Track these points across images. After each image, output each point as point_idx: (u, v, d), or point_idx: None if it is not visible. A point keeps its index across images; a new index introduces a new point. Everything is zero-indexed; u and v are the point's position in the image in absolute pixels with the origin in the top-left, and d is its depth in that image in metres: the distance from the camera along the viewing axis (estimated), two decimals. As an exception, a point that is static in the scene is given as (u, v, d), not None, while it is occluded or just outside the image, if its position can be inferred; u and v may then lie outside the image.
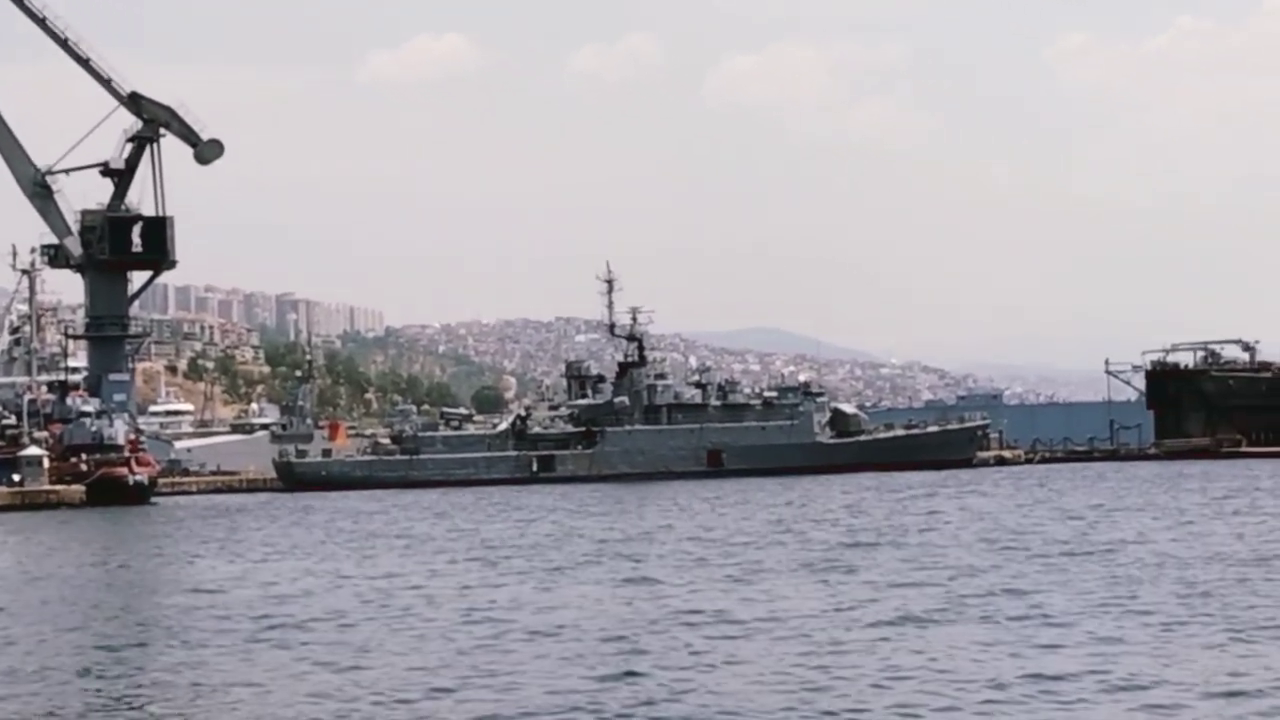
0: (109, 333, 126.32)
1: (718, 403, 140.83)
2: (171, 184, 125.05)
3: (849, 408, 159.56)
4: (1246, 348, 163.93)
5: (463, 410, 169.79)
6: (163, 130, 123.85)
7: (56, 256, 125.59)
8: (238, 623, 37.42)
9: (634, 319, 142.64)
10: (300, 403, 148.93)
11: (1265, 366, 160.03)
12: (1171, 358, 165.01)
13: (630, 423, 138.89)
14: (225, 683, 28.56)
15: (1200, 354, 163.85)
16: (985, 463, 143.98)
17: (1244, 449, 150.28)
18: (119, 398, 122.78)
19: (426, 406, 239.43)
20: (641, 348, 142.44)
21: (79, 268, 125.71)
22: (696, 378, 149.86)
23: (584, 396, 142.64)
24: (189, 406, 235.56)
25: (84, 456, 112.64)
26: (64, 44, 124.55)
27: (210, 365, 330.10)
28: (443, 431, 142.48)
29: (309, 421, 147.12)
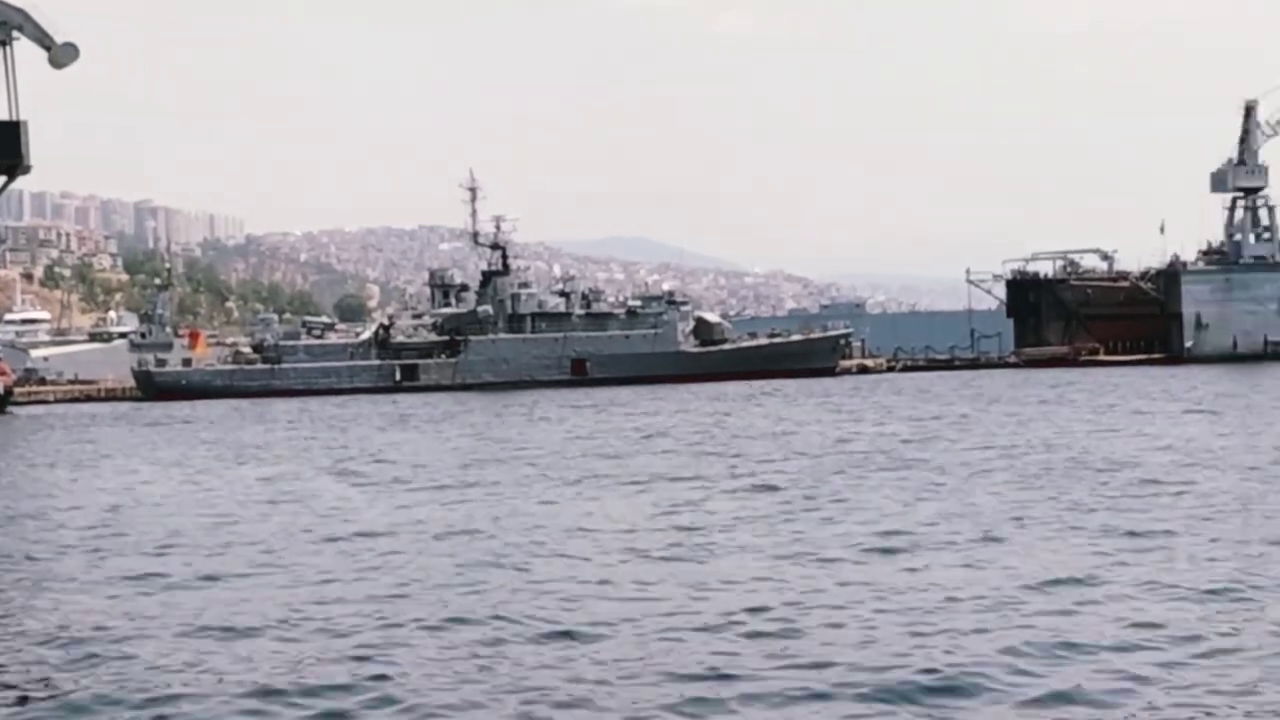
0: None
1: (582, 312, 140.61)
2: (26, 88, 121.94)
3: (713, 316, 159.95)
4: (1105, 257, 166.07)
5: (325, 319, 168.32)
6: (15, 33, 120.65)
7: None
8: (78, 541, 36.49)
9: (498, 227, 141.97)
10: (159, 311, 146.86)
11: (1123, 276, 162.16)
12: (1031, 267, 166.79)
13: (494, 332, 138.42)
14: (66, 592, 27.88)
15: (1059, 263, 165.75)
16: (848, 371, 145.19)
17: (1101, 357, 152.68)
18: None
19: (288, 315, 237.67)
20: (505, 256, 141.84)
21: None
22: (560, 286, 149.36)
23: (447, 305, 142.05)
24: (45, 315, 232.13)
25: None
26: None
27: (67, 273, 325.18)
28: (305, 340, 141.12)
29: (168, 330, 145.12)
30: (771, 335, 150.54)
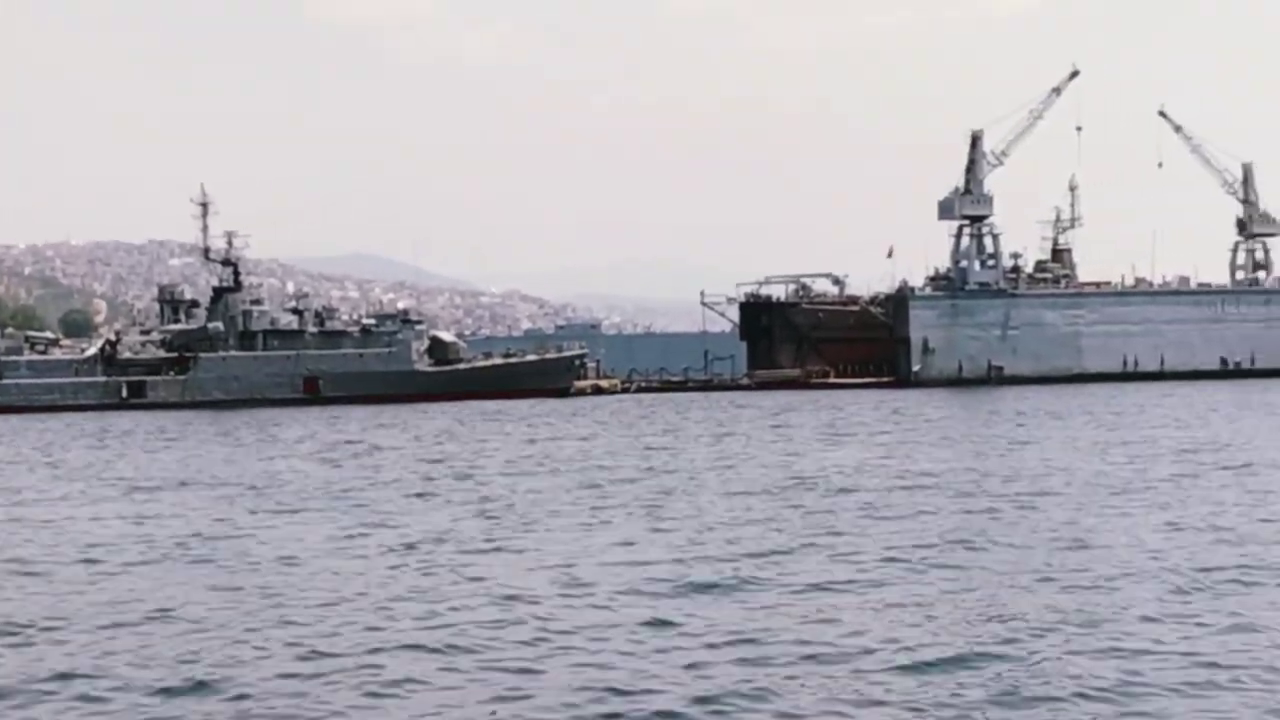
0: None
1: (315, 329, 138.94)
2: None
3: (448, 336, 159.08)
4: (836, 281, 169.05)
5: (49, 334, 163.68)
6: None
7: None
8: None
9: (229, 243, 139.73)
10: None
11: (853, 300, 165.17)
12: (764, 290, 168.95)
13: (225, 349, 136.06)
14: None
15: (792, 287, 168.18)
16: (583, 392, 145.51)
17: (832, 380, 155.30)
18: None
19: (11, 330, 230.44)
20: (237, 272, 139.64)
21: None
22: (294, 304, 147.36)
23: (177, 322, 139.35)
24: None
25: None
26: None
27: None
28: (27, 356, 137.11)
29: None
30: (506, 355, 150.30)
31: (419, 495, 46.23)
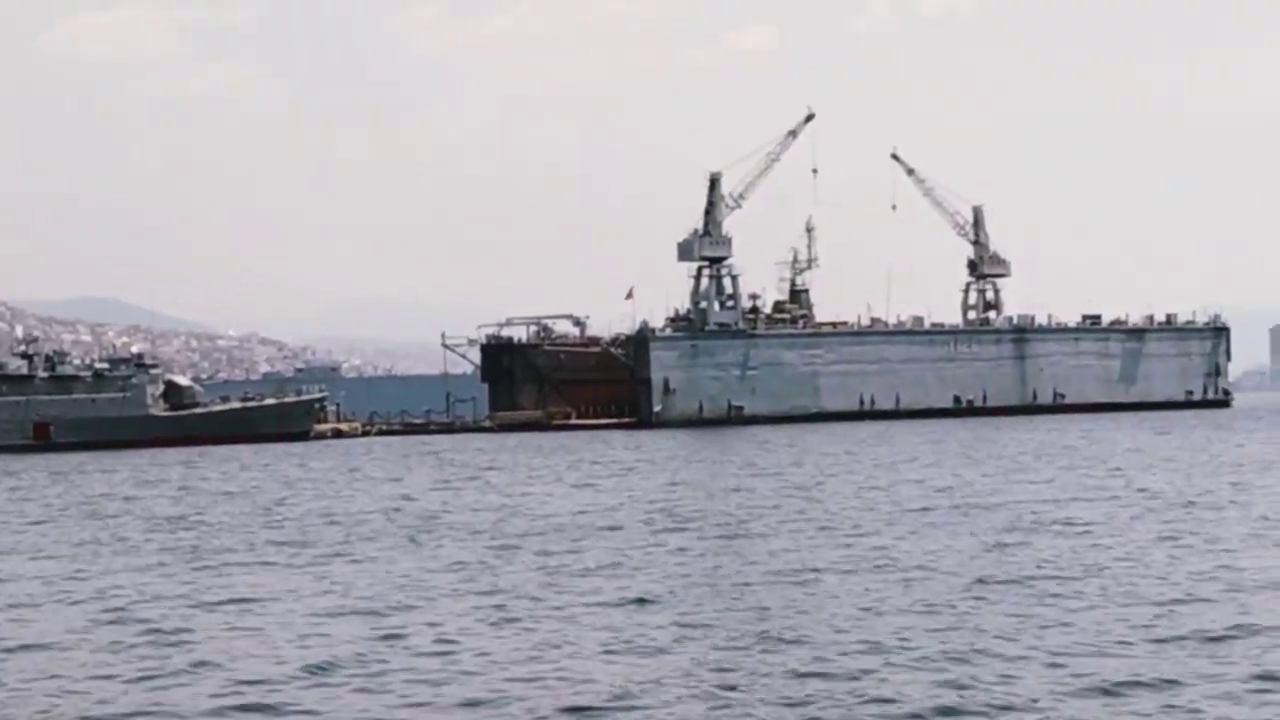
0: None
1: (45, 374, 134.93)
2: None
3: (184, 380, 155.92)
4: (577, 323, 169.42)
5: None
6: None
7: None
8: None
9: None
10: None
11: (594, 341, 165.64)
12: (506, 332, 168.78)
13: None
14: None
15: (533, 329, 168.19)
16: (323, 435, 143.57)
17: (574, 421, 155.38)
18: None
19: None
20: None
21: None
22: (23, 348, 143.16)
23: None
24: None
25: None
26: None
27: None
28: None
29: None
30: (245, 399, 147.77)
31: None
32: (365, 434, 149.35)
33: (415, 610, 29.94)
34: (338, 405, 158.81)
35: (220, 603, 31.85)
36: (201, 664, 24.80)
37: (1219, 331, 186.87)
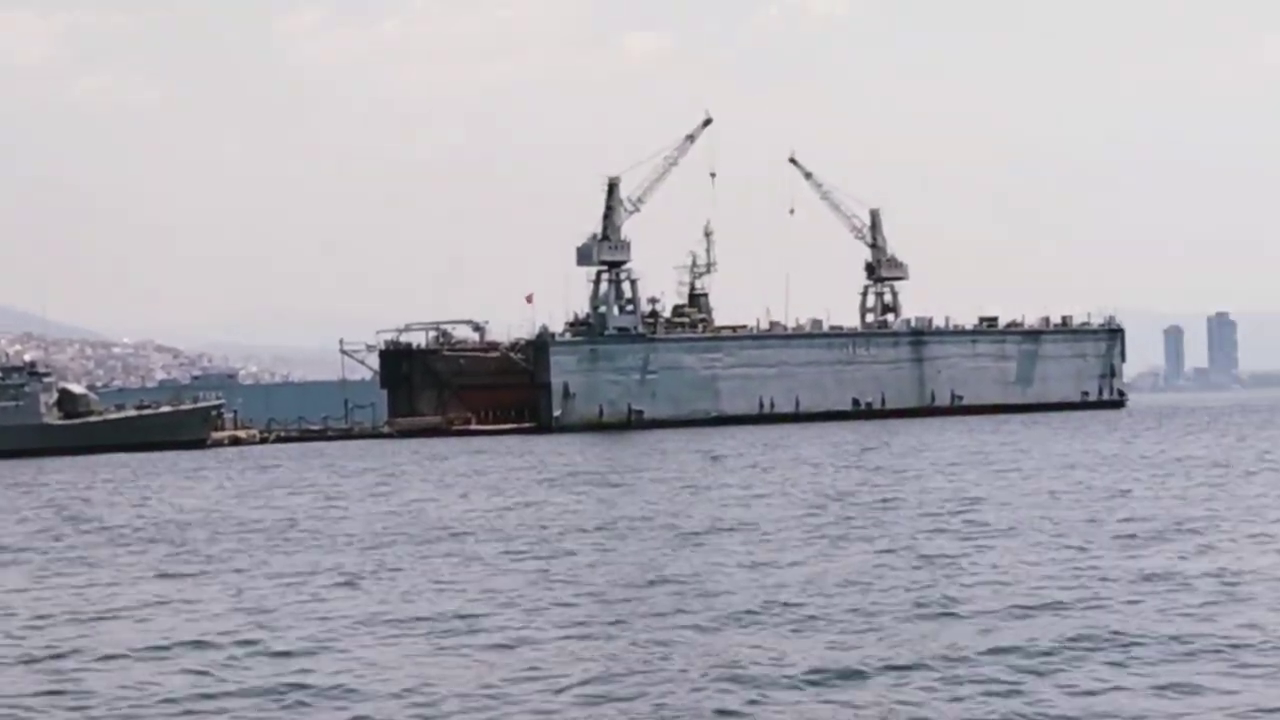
0: None
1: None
2: None
3: (78, 388, 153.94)
4: (477, 328, 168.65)
5: None
6: None
7: None
8: None
9: None
10: None
11: (493, 346, 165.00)
12: (405, 337, 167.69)
13: None
14: None
15: (432, 334, 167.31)
16: (220, 443, 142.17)
17: (474, 427, 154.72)
18: None
19: None
20: None
21: None
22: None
23: None
24: None
25: None
26: None
27: None
28: None
29: None
30: (140, 407, 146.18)
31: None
32: (263, 441, 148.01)
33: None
34: (235, 412, 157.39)
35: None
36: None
37: (1114, 333, 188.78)
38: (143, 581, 37.08)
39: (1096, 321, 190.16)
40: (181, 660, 25.39)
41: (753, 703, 20.62)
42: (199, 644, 26.81)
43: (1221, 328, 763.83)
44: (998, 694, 20.70)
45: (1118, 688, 20.83)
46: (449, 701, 21.36)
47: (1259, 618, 25.75)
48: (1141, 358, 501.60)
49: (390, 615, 29.34)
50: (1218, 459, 73.68)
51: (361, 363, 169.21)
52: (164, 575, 38.15)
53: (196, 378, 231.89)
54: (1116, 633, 24.53)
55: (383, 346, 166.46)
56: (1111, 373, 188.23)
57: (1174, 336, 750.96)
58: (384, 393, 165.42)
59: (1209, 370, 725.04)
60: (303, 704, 21.72)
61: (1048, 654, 23.15)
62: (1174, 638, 24.13)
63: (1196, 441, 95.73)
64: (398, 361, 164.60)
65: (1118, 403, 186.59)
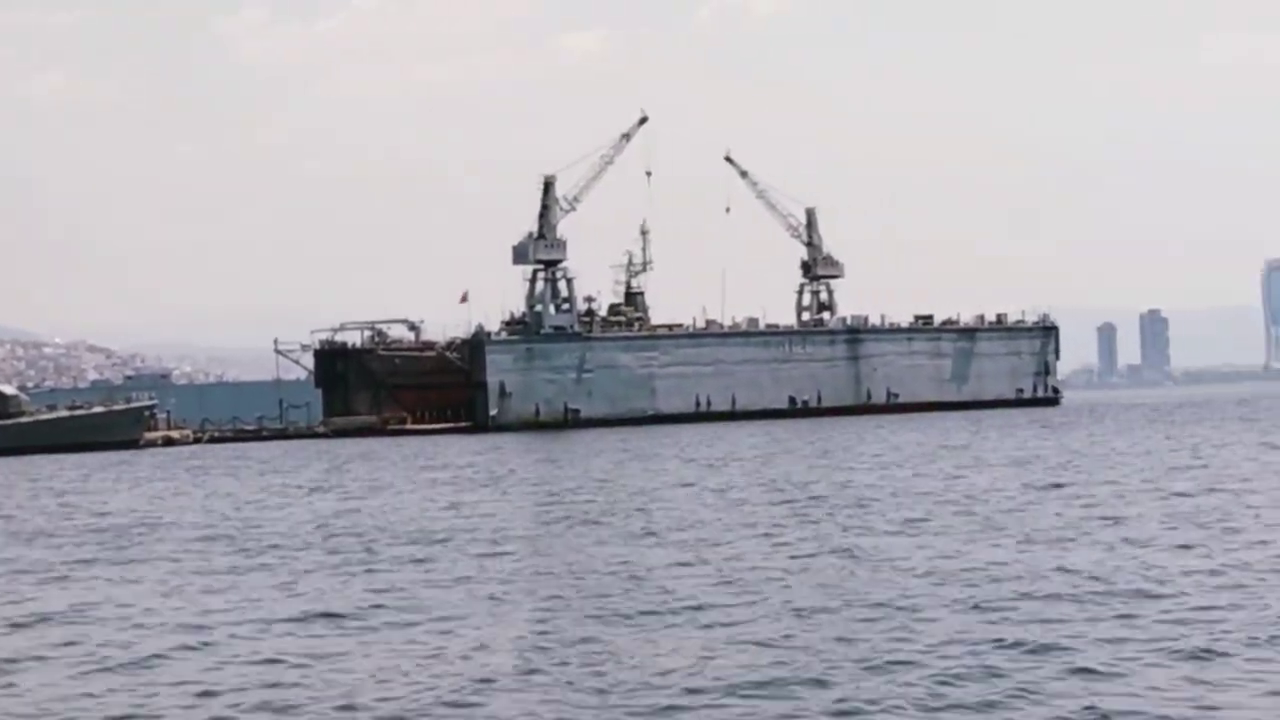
0: None
1: None
2: None
3: (9, 388, 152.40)
4: (412, 327, 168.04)
5: None
6: None
7: None
8: None
9: None
10: None
11: (429, 346, 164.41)
12: (340, 336, 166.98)
13: None
14: None
15: (367, 333, 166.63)
16: (153, 443, 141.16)
17: (409, 426, 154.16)
18: None
19: None
20: None
21: None
22: None
23: None
24: None
25: None
26: None
27: None
28: None
29: None
30: (72, 408, 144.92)
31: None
32: (197, 441, 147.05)
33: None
34: (168, 413, 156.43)
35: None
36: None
37: (1048, 331, 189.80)
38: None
39: (1031, 319, 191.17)
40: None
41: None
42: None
43: (1154, 325, 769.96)
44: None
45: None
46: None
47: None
48: (1075, 355, 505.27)
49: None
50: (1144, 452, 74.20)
51: (296, 362, 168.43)
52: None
53: (129, 378, 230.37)
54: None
55: (318, 346, 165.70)
56: (1046, 370, 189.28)
57: (1107, 334, 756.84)
58: (319, 392, 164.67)
59: (1142, 367, 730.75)
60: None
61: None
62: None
63: (1130, 437, 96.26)
64: (333, 361, 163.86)
65: (1052, 400, 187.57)
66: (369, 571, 36.23)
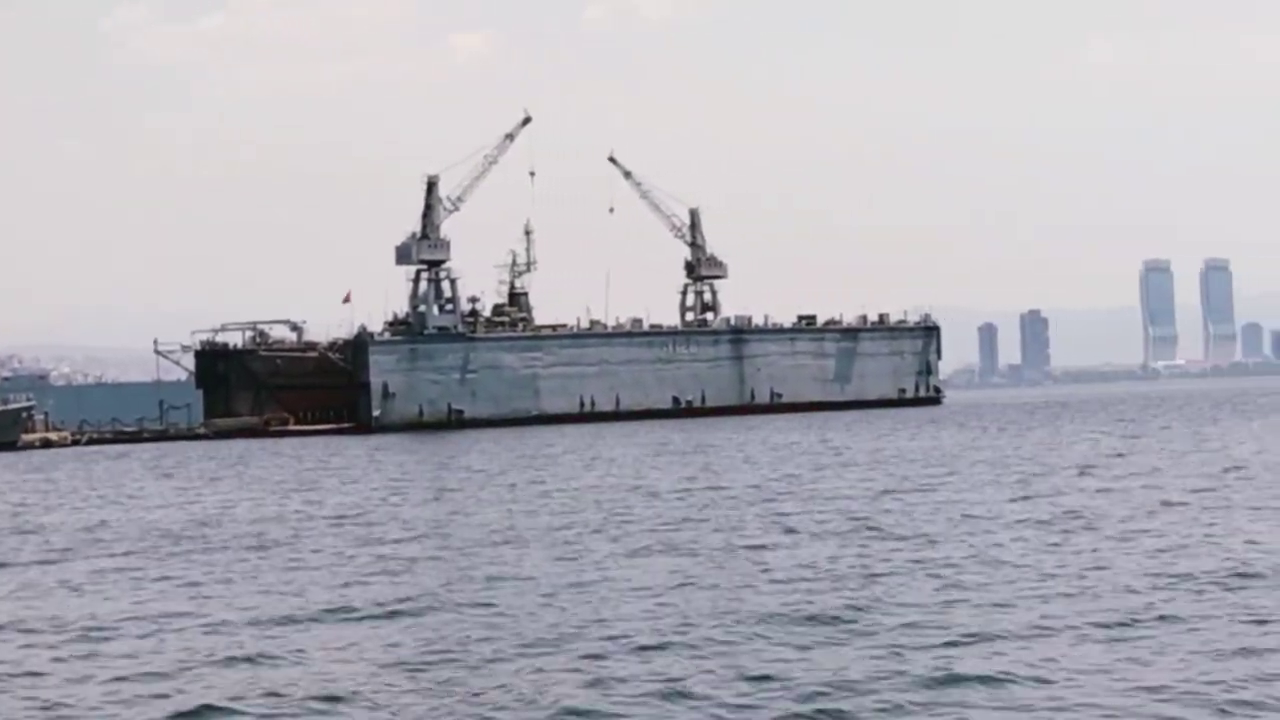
0: None
1: None
2: None
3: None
4: (294, 328, 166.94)
5: None
6: None
7: None
8: None
9: None
10: None
11: (311, 346, 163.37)
12: (221, 337, 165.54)
13: None
14: None
15: (249, 334, 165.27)
16: (31, 445, 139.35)
17: (292, 427, 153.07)
18: None
19: None
20: None
21: None
22: None
23: None
24: None
25: None
26: None
27: None
28: None
29: None
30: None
31: None
32: (75, 443, 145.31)
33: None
34: (46, 414, 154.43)
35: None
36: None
37: (930, 331, 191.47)
38: None
39: (913, 319, 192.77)
40: None
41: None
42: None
43: (1034, 325, 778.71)
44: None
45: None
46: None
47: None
48: (957, 355, 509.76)
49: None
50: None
51: (177, 363, 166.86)
52: None
53: (6, 379, 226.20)
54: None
55: (198, 347, 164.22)
56: (928, 370, 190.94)
57: (988, 334, 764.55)
58: (200, 393, 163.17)
59: (1022, 366, 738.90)
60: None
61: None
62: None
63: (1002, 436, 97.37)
64: (214, 362, 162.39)
65: (934, 399, 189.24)
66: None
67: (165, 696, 21.79)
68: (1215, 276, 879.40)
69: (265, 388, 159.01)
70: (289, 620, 28.04)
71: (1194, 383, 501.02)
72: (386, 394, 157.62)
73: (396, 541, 41.96)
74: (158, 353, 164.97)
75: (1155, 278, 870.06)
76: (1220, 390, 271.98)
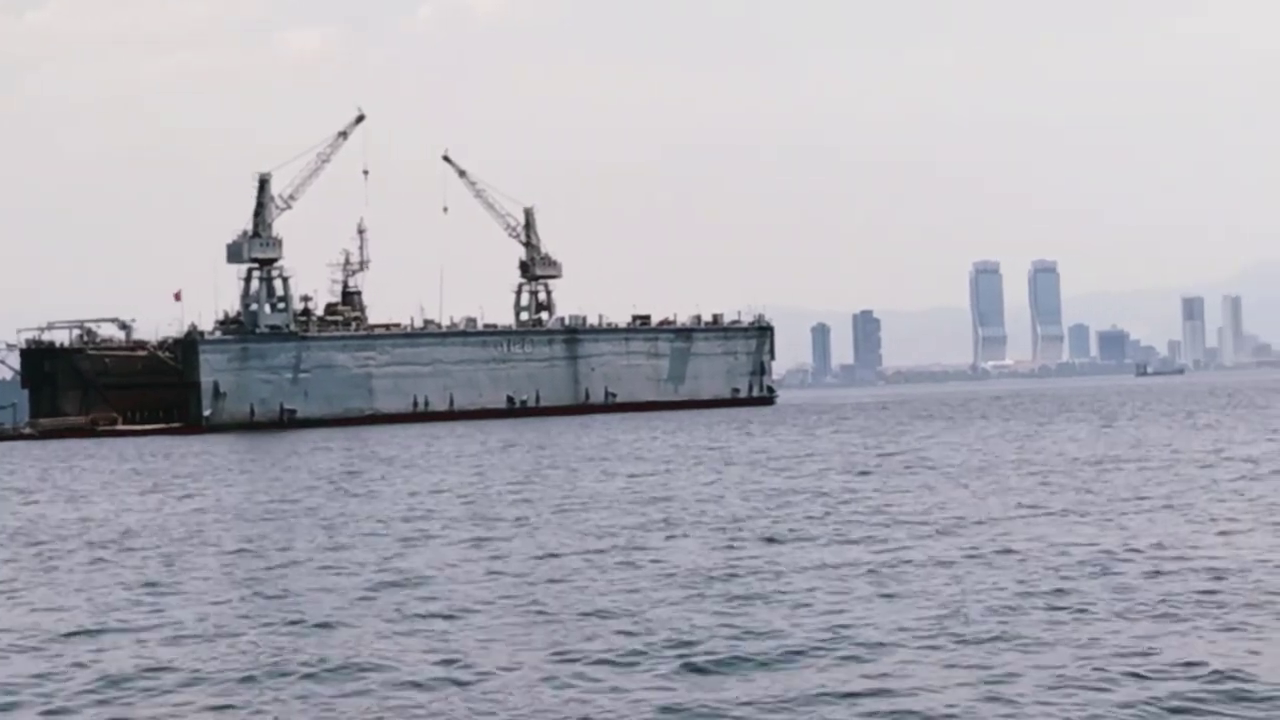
0: None
1: None
2: None
3: None
4: (123, 326, 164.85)
5: None
6: None
7: None
8: None
9: None
10: None
11: (141, 345, 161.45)
12: (48, 335, 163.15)
13: None
14: None
15: (77, 332, 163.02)
16: None
17: (120, 427, 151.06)
18: None
19: None
20: None
21: None
22: None
23: None
24: None
25: None
26: None
27: None
28: None
29: None
30: None
31: None
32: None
33: None
34: None
35: None
36: None
37: (763, 331, 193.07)
38: None
39: (747, 320, 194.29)
40: None
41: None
42: None
43: (866, 325, 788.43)
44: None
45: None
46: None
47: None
48: (790, 355, 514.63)
49: None
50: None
51: (2, 362, 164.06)
52: None
53: None
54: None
55: (24, 345, 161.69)
56: (762, 370, 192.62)
57: (821, 334, 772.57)
58: (26, 393, 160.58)
59: (855, 366, 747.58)
60: None
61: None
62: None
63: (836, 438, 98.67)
64: (40, 360, 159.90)
65: (768, 399, 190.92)
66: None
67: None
68: (1043, 278, 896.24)
69: (93, 387, 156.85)
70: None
71: (1022, 382, 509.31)
72: (217, 393, 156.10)
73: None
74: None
75: (985, 279, 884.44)
76: (1055, 390, 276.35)
